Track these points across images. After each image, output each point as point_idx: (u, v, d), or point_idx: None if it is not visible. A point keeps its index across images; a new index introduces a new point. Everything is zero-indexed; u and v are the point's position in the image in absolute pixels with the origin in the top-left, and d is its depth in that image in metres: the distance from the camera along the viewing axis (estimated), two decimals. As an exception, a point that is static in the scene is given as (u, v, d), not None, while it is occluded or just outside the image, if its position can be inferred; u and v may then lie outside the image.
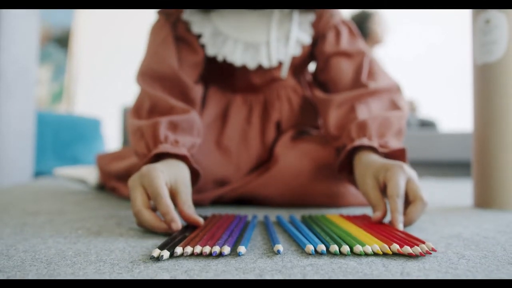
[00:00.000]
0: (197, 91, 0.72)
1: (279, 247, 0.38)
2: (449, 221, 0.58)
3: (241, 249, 0.37)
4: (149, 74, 0.70)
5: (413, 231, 0.50)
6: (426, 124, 2.40)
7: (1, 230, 0.49)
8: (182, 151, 0.58)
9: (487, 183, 0.71)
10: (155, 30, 0.75)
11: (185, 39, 0.73)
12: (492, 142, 0.71)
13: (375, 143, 0.61)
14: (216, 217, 0.53)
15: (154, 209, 0.50)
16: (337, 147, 0.69)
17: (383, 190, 0.55)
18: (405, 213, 0.50)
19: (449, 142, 2.15)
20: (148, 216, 0.47)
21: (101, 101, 2.98)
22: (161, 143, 0.59)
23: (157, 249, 0.36)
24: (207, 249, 0.36)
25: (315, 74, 0.82)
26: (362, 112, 0.66)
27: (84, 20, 3.26)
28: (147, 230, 0.49)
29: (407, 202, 0.51)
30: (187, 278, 0.30)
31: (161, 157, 0.58)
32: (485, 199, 0.72)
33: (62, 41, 3.19)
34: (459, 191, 1.12)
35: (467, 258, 0.36)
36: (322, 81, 0.79)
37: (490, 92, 0.71)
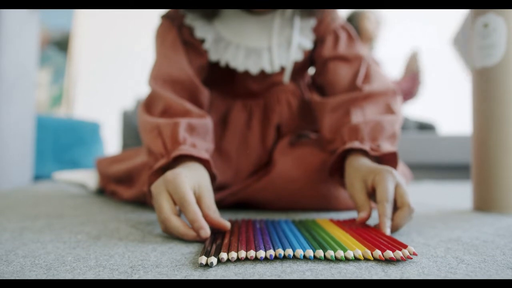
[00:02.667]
0: (206, 95, 0.73)
1: (290, 251, 0.37)
2: (448, 224, 0.58)
3: (289, 251, 0.37)
4: (161, 78, 0.69)
5: (412, 234, 0.50)
6: (425, 127, 2.40)
7: (0, 234, 0.49)
8: (204, 155, 0.57)
9: (486, 187, 0.71)
10: (162, 33, 0.74)
11: (191, 43, 0.73)
12: (491, 145, 0.71)
13: (366, 146, 0.61)
14: (237, 222, 0.53)
15: (178, 214, 0.49)
16: (331, 150, 0.69)
17: (371, 193, 0.55)
18: (391, 218, 0.50)
19: (449, 145, 2.15)
20: (177, 223, 0.46)
21: (101, 105, 2.98)
22: (180, 144, 0.58)
23: (203, 256, 0.35)
24: (252, 253, 0.36)
25: (313, 78, 0.82)
26: (356, 117, 0.66)
27: (84, 24, 3.26)
28: (174, 237, 0.48)
29: (395, 208, 0.51)
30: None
31: (178, 158, 0.57)
32: (484, 203, 0.72)
33: (61, 44, 3.19)
34: (459, 194, 1.12)
35: (467, 263, 0.36)
36: (319, 85, 0.79)
37: (489, 96, 0.71)
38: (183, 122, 0.60)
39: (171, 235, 0.48)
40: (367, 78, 0.73)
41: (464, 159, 1.99)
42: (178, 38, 0.72)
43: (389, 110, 0.69)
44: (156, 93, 0.67)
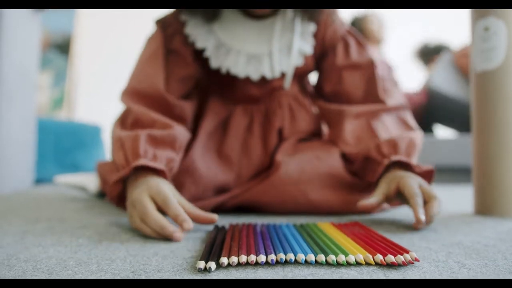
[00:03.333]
0: (183, 107, 0.73)
1: (291, 256, 0.37)
2: (450, 228, 0.58)
3: (291, 256, 0.37)
4: (133, 93, 0.70)
5: (414, 238, 0.50)
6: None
7: (2, 238, 0.49)
8: (160, 166, 0.59)
9: (487, 190, 0.71)
10: (148, 42, 0.75)
11: (178, 52, 0.73)
12: (492, 148, 0.71)
13: (412, 161, 0.65)
14: (238, 226, 0.53)
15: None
16: (350, 153, 0.72)
17: (391, 196, 0.61)
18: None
19: (449, 147, 2.14)
20: (160, 217, 0.49)
21: (102, 108, 2.98)
22: (139, 157, 0.59)
23: (201, 261, 0.35)
24: (253, 258, 0.36)
25: (320, 85, 0.82)
26: (380, 129, 0.71)
27: (85, 26, 3.27)
28: (149, 236, 0.50)
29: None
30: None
31: (139, 170, 0.59)
32: (485, 206, 0.72)
33: (63, 47, 3.20)
34: (459, 197, 1.11)
35: (468, 267, 0.36)
36: (331, 93, 0.79)
37: (490, 99, 0.71)
38: (143, 134, 0.62)
39: (145, 231, 0.50)
40: (385, 89, 0.76)
41: (465, 162, 1.99)
42: (161, 47, 0.72)
43: (407, 125, 0.74)
44: (128, 107, 0.68)
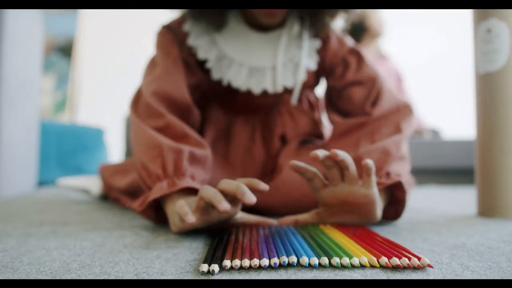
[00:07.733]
0: (197, 116, 0.73)
1: (294, 258, 0.37)
2: (453, 230, 0.58)
3: (293, 259, 0.37)
4: (160, 94, 0.68)
5: (417, 241, 0.50)
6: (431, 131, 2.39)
7: (6, 241, 0.49)
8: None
9: (490, 192, 0.71)
10: (165, 45, 0.73)
11: (187, 62, 0.73)
12: (495, 150, 0.71)
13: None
14: (241, 228, 0.53)
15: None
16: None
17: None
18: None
19: (453, 149, 2.14)
20: (184, 205, 0.48)
21: (104, 111, 2.99)
22: (183, 175, 0.59)
23: (205, 264, 0.35)
24: (256, 262, 0.36)
25: (330, 100, 0.81)
26: (365, 147, 0.67)
27: (88, 30, 3.28)
28: (194, 228, 0.51)
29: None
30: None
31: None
32: (489, 208, 0.71)
33: (65, 50, 3.21)
34: (463, 199, 1.11)
35: (472, 270, 0.36)
36: (339, 107, 0.79)
37: (493, 101, 0.71)
38: (186, 151, 0.61)
39: (186, 227, 0.51)
40: (376, 100, 0.72)
41: (468, 163, 1.98)
42: (179, 55, 0.72)
43: (397, 130, 0.69)
44: (153, 107, 0.67)
